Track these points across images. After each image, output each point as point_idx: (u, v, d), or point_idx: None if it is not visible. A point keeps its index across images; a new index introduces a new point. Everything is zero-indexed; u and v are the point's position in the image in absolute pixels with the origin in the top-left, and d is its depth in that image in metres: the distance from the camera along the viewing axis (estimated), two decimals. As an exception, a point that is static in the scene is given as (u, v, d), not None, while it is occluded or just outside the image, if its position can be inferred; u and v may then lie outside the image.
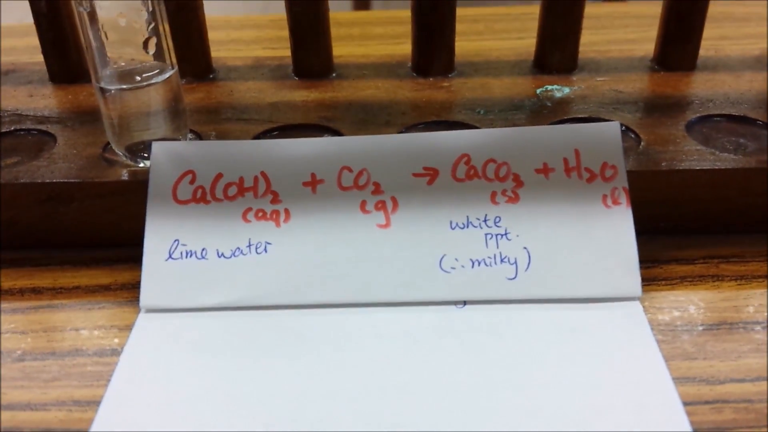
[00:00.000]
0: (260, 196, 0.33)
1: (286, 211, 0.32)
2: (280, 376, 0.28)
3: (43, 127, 0.39)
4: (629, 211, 0.32)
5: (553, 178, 0.32)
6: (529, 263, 0.31)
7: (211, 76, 0.44)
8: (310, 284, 0.31)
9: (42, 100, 0.41)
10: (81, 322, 0.31)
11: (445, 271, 0.32)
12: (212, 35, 0.43)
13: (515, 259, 0.32)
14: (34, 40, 0.43)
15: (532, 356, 0.29)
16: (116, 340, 0.30)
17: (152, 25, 0.33)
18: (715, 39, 0.52)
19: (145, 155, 0.34)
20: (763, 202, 0.34)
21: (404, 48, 0.45)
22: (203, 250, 0.32)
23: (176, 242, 0.32)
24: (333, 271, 0.32)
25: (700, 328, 0.30)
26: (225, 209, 0.32)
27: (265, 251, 0.32)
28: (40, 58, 0.44)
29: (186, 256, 0.32)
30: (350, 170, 0.33)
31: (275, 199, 0.33)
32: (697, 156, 0.34)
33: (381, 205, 0.32)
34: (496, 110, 0.39)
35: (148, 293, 0.31)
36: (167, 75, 0.34)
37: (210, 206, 0.32)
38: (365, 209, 0.32)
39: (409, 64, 0.44)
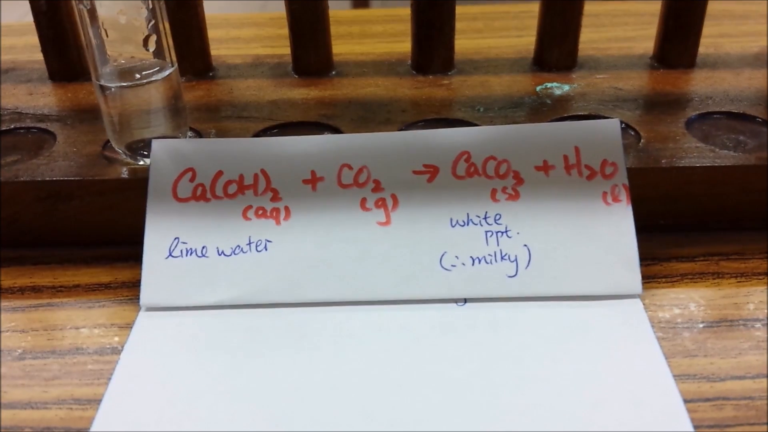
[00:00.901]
0: (260, 194, 0.33)
1: (286, 208, 0.32)
2: (281, 374, 0.28)
3: (42, 125, 0.38)
4: (629, 208, 0.32)
5: (553, 176, 0.32)
6: (529, 261, 0.31)
7: (210, 74, 0.44)
8: (311, 282, 0.31)
9: (42, 99, 0.41)
10: (81, 321, 0.31)
11: (446, 269, 0.32)
12: (211, 33, 0.43)
13: (515, 256, 0.32)
14: (33, 39, 0.43)
15: (532, 354, 0.29)
16: (116, 339, 0.30)
17: (152, 22, 0.33)
18: (715, 36, 0.52)
19: (145, 153, 0.34)
20: (762, 199, 0.34)
21: (404, 46, 0.45)
22: (203, 248, 0.32)
23: (176, 240, 0.32)
24: (333, 268, 0.32)
25: (701, 325, 0.30)
26: (225, 207, 0.32)
27: (266, 249, 0.32)
28: (40, 56, 0.44)
29: (186, 254, 0.32)
30: (350, 168, 0.33)
31: (275, 197, 0.33)
32: (696, 153, 0.34)
33: (381, 203, 0.32)
34: (496, 108, 0.39)
35: (148, 291, 0.31)
36: (167, 73, 0.34)
37: (210, 204, 0.32)
38: (365, 207, 0.32)
39: (408, 61, 0.44)
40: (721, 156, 0.34)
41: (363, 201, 0.32)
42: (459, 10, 0.42)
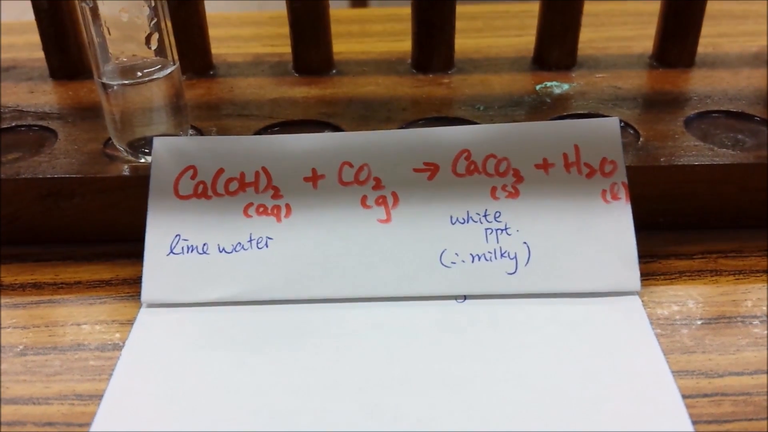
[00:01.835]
0: (261, 191, 0.33)
1: (287, 206, 0.33)
2: (281, 370, 0.28)
3: (44, 123, 0.39)
4: (628, 206, 0.32)
5: (552, 174, 0.32)
6: (528, 258, 0.32)
7: (211, 72, 0.44)
8: (311, 279, 0.32)
9: (42, 96, 0.42)
10: (82, 317, 0.31)
11: (446, 266, 0.32)
12: (212, 32, 0.44)
13: (515, 253, 0.32)
14: (33, 37, 0.43)
15: (532, 350, 0.29)
16: (117, 335, 0.30)
17: (154, 20, 0.33)
18: (713, 36, 0.52)
19: (147, 150, 0.34)
20: (761, 198, 0.35)
21: (404, 45, 0.45)
22: (204, 244, 0.32)
23: (177, 237, 0.32)
24: (334, 265, 0.32)
25: (699, 322, 0.30)
26: (226, 204, 0.32)
27: (266, 246, 0.32)
28: (40, 54, 0.44)
29: (187, 251, 0.32)
30: (351, 165, 0.33)
31: (276, 194, 0.33)
32: (695, 152, 0.35)
33: (382, 200, 0.33)
34: (496, 106, 0.39)
35: (149, 288, 0.31)
36: (169, 71, 0.34)
37: (211, 201, 0.32)
38: (366, 204, 0.33)
39: (408, 60, 0.44)
40: (720, 154, 0.34)
41: (364, 198, 0.33)
42: (459, 9, 0.42)
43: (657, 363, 0.28)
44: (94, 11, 0.32)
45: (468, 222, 0.32)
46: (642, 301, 0.31)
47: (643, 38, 0.46)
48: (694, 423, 0.26)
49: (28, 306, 0.32)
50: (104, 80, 0.34)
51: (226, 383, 0.28)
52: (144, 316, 0.31)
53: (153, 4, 0.33)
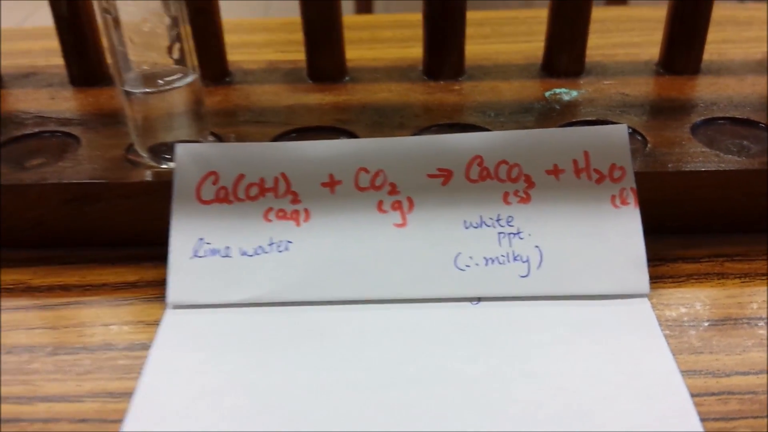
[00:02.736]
0: (280, 197, 0.34)
1: (306, 211, 0.34)
2: (302, 369, 0.29)
3: (66, 129, 0.40)
4: (637, 210, 0.33)
5: (563, 179, 0.33)
6: (540, 261, 0.33)
7: (227, 79, 0.45)
8: (330, 281, 0.33)
9: (64, 103, 0.43)
10: (110, 318, 0.32)
11: (460, 269, 0.33)
12: (225, 38, 0.45)
13: (527, 257, 0.33)
14: (50, 43, 0.44)
15: (544, 351, 0.30)
16: (144, 335, 0.31)
17: (175, 30, 0.34)
18: (718, 42, 0.53)
19: (168, 156, 0.35)
20: (765, 203, 0.36)
21: (414, 51, 0.46)
22: (227, 248, 0.33)
23: (201, 241, 0.33)
24: (352, 268, 0.33)
25: (706, 323, 0.31)
26: (247, 209, 0.33)
27: (287, 249, 0.33)
28: (58, 60, 0.45)
29: (210, 254, 0.33)
30: (367, 171, 0.34)
31: (295, 200, 0.34)
32: (702, 158, 0.36)
33: (397, 205, 0.34)
34: (507, 113, 0.40)
35: (174, 290, 0.32)
36: (190, 79, 0.35)
37: (233, 206, 0.33)
38: (382, 209, 0.34)
39: (420, 67, 0.45)
40: (726, 161, 0.35)
41: (380, 203, 0.34)
42: (467, 15, 0.43)
43: (666, 364, 0.29)
44: (116, 21, 0.34)
45: (481, 226, 0.33)
46: (651, 303, 0.32)
47: (650, 45, 0.47)
48: (703, 420, 0.27)
49: (57, 307, 0.33)
50: (127, 88, 0.35)
51: (249, 381, 0.29)
52: (169, 316, 0.32)
53: (173, 14, 0.34)
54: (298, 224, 0.34)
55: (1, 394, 0.28)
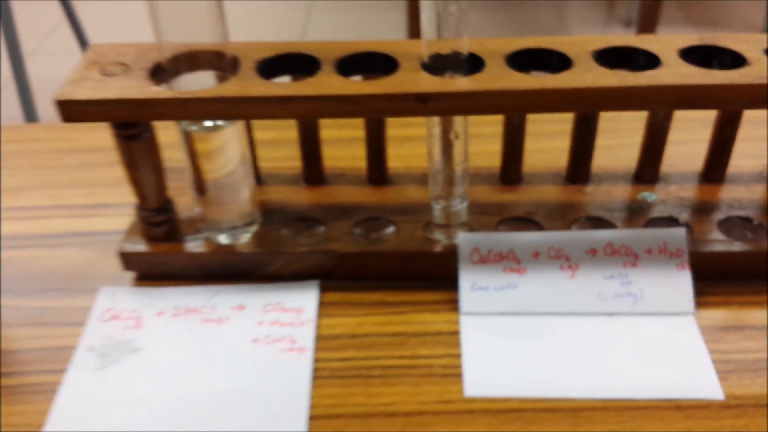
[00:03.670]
0: (510, 260, 0.69)
1: (523, 269, 0.69)
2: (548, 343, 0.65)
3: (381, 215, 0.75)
4: (689, 272, 0.67)
5: (653, 255, 0.68)
6: (641, 297, 0.67)
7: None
8: (543, 302, 0.68)
9: (375, 195, 0.78)
10: (431, 318, 0.67)
11: (601, 300, 0.68)
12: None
13: (635, 294, 0.67)
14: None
15: (626, 336, 0.65)
16: (454, 326, 0.66)
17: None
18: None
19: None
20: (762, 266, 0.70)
21: (558, 160, 0.80)
22: (487, 286, 0.68)
23: (474, 281, 0.68)
24: (551, 298, 0.68)
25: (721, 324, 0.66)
26: (495, 267, 0.68)
27: (515, 288, 0.68)
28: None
29: (481, 290, 0.68)
30: (553, 249, 0.69)
31: (518, 262, 0.69)
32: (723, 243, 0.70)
33: (569, 267, 0.68)
34: (616, 210, 0.74)
35: (465, 303, 0.68)
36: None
37: (489, 265, 0.68)
38: (562, 268, 0.68)
39: (564, 173, 0.80)
40: (736, 244, 0.69)
41: (561, 266, 0.68)
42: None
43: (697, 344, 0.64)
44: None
45: (613, 278, 0.68)
46: (694, 317, 0.66)
47: (698, 142, 0.80)
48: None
49: (390, 314, 0.68)
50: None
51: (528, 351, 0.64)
52: (464, 318, 0.67)
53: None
54: (520, 274, 0.69)
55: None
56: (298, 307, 0.69)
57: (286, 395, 0.61)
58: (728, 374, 0.62)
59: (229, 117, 0.58)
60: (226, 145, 0.62)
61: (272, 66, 0.60)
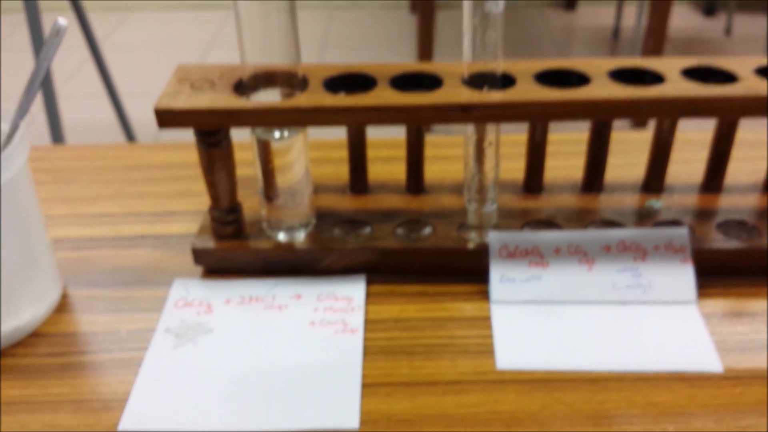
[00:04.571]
0: (532, 255, 0.78)
1: (546, 263, 0.78)
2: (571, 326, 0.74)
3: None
4: (691, 266, 0.77)
5: (660, 251, 0.78)
6: (649, 287, 0.77)
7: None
8: (565, 290, 0.77)
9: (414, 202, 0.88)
10: (462, 303, 0.77)
11: (615, 289, 0.77)
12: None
13: (644, 284, 0.77)
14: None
15: (633, 317, 0.74)
16: (485, 313, 0.76)
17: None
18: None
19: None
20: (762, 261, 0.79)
21: (573, 171, 0.90)
22: (515, 278, 0.78)
23: (504, 275, 0.78)
24: (576, 288, 0.77)
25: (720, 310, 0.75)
26: (522, 261, 0.78)
27: (539, 279, 0.78)
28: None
29: (508, 282, 0.78)
30: (572, 246, 0.78)
31: (541, 256, 0.78)
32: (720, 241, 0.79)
33: (586, 261, 0.78)
34: (627, 214, 0.84)
35: (495, 293, 0.77)
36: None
37: (516, 259, 0.78)
38: (580, 262, 0.78)
39: (580, 184, 0.90)
40: (731, 242, 0.79)
41: (579, 260, 0.78)
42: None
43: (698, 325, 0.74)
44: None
45: (624, 271, 0.78)
46: (696, 305, 0.76)
47: (698, 162, 0.90)
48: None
49: (429, 303, 0.78)
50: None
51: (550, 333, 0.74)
52: (494, 306, 0.77)
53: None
54: (544, 268, 0.78)
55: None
56: (349, 296, 0.79)
57: (341, 368, 0.71)
58: (727, 352, 0.71)
59: (302, 124, 0.68)
60: (297, 156, 0.73)
61: (336, 83, 0.71)
